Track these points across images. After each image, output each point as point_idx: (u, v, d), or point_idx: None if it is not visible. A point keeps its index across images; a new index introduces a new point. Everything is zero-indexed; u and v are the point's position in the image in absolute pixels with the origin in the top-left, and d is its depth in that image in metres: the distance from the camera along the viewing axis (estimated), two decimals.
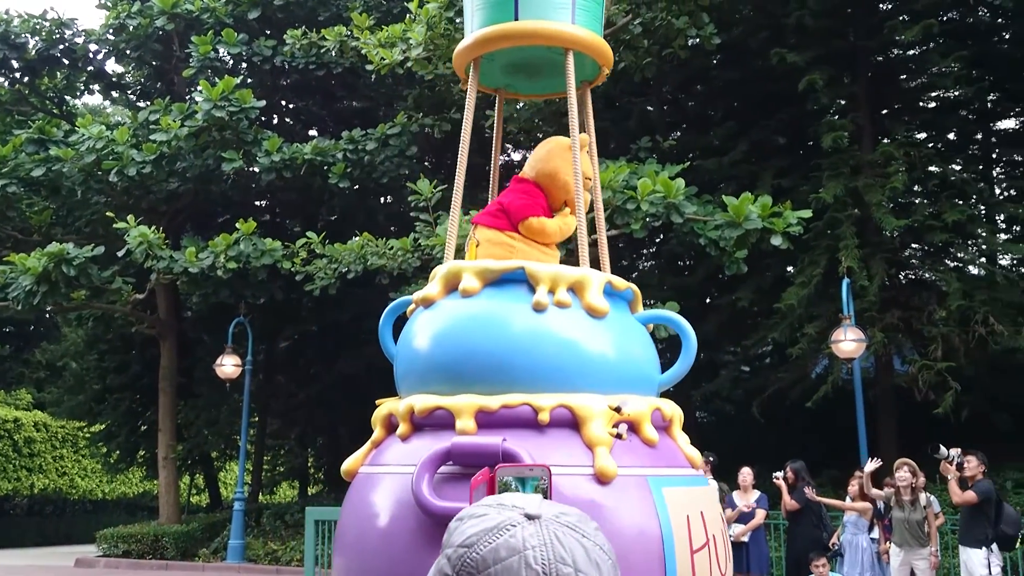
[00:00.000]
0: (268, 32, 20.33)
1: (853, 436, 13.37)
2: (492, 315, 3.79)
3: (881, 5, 18.45)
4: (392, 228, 20.02)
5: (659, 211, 12.44)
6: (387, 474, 3.65)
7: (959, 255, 16.76)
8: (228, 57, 20.26)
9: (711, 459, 10.98)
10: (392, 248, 15.12)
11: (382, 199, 21.44)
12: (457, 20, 14.62)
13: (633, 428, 3.63)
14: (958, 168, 17.04)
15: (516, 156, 25.33)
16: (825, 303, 15.20)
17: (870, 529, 10.18)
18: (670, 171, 13.16)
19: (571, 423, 3.55)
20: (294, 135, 20.89)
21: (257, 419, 24.97)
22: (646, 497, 3.45)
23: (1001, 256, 17.73)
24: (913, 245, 17.38)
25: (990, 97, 18.39)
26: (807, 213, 12.85)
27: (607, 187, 12.53)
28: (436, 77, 17.07)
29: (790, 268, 16.84)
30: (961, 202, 15.81)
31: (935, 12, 16.43)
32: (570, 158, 4.29)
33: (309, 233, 16.44)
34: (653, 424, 3.73)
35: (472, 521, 1.19)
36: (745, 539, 10.28)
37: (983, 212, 17.08)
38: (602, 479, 3.39)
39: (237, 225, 16.78)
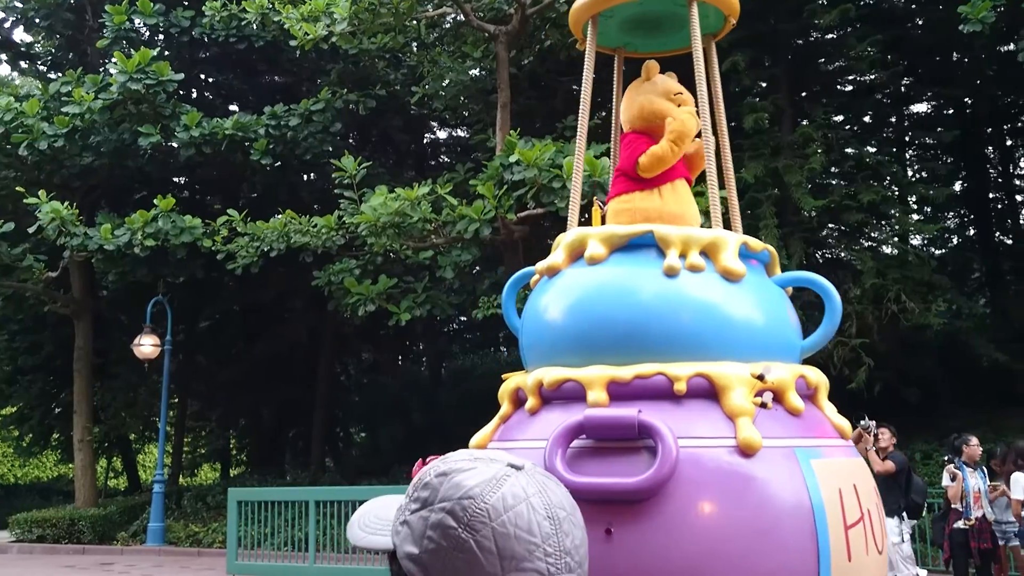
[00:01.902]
0: (186, 3, 19.75)
1: None
2: (621, 282, 3.60)
3: None
4: (316, 206, 19.72)
5: (585, 190, 12.50)
6: (518, 449, 3.43)
7: (873, 235, 17.27)
8: (144, 28, 19.63)
9: None
10: (316, 226, 14.92)
11: (305, 176, 21.10)
12: None
13: (777, 397, 3.43)
14: (873, 150, 17.52)
15: (442, 134, 25.20)
16: None
17: None
18: (596, 150, 13.23)
19: (710, 393, 3.35)
20: (214, 110, 20.38)
21: (177, 400, 24.46)
22: (794, 470, 3.23)
23: (913, 236, 18.31)
24: (830, 225, 17.84)
25: (904, 81, 18.93)
26: None
27: (533, 165, 12.55)
28: (361, 52, 16.84)
29: None
30: (876, 183, 16.27)
31: None
32: (652, 88, 4.14)
33: (230, 210, 16.11)
34: (798, 392, 3.50)
35: (463, 475, 1.20)
36: None
37: (896, 193, 17.60)
38: (746, 451, 3.18)
39: (155, 202, 16.34)
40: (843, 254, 17.30)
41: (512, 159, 12.91)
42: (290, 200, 18.61)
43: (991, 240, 21.34)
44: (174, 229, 16.05)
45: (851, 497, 3.32)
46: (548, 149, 12.85)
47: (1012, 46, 14.06)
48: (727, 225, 4.02)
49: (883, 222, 16.89)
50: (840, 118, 18.24)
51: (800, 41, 18.75)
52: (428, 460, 1.81)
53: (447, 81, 17.74)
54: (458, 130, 23.97)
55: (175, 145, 17.79)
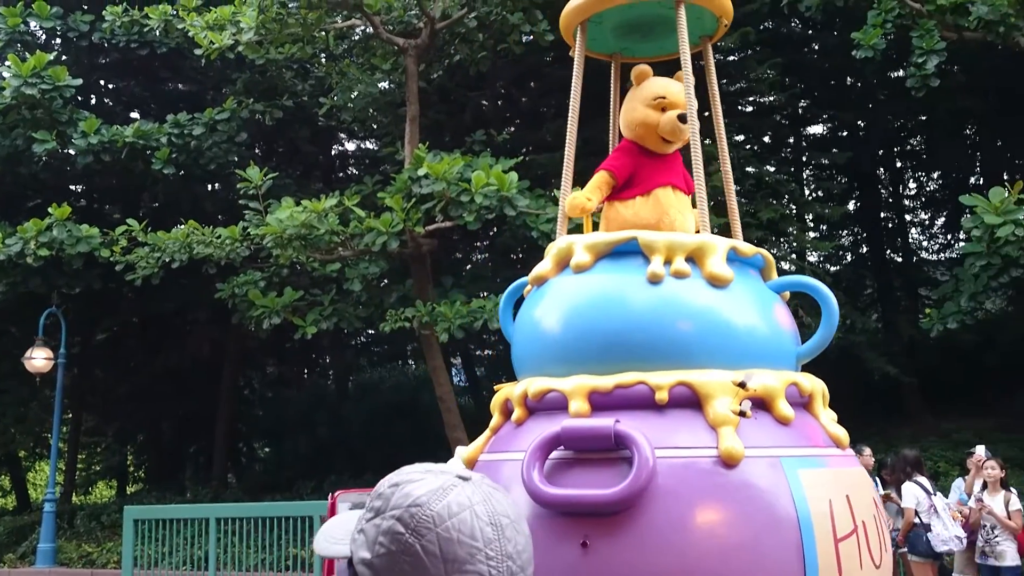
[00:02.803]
0: (86, 6, 19.16)
1: None
2: (604, 290, 3.56)
3: None
4: (220, 217, 19.33)
5: (493, 204, 12.58)
6: (505, 461, 3.45)
7: (772, 252, 17.78)
8: (40, 31, 18.98)
9: None
10: (220, 237, 14.61)
11: (209, 186, 20.65)
12: (291, 4, 14.28)
13: (765, 405, 3.33)
14: (772, 169, 18.12)
15: (350, 146, 25.01)
16: None
17: None
18: (504, 165, 13.34)
19: (693, 402, 3.27)
20: (114, 117, 19.77)
21: (71, 415, 23.57)
22: (779, 480, 3.13)
23: (809, 253, 19.00)
24: None
25: (801, 104, 19.63)
26: None
27: (441, 179, 12.57)
28: (268, 62, 16.61)
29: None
30: (775, 201, 16.83)
31: (753, 21, 17.36)
32: (637, 94, 4.07)
33: (130, 220, 15.65)
34: (789, 400, 3.39)
35: (413, 485, 1.31)
36: None
37: (794, 211, 18.23)
38: (728, 461, 3.10)
39: (50, 210, 15.75)
40: None
41: (421, 172, 12.91)
42: (193, 210, 18.16)
43: (882, 257, 22.26)
44: (70, 239, 15.50)
45: (843, 509, 3.21)
46: (457, 163, 12.89)
47: (901, 72, 14.74)
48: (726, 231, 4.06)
49: (781, 239, 17.46)
50: (741, 138, 18.80)
51: (701, 62, 19.25)
52: (335, 496, 1.87)
53: (356, 93, 17.63)
54: (367, 142, 23.83)
55: (72, 152, 17.21)
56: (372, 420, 22.98)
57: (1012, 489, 9.16)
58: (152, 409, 23.59)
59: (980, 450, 9.68)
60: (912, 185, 24.79)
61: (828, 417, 3.61)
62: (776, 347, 3.59)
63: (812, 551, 3.04)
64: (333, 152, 24.66)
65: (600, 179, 4.01)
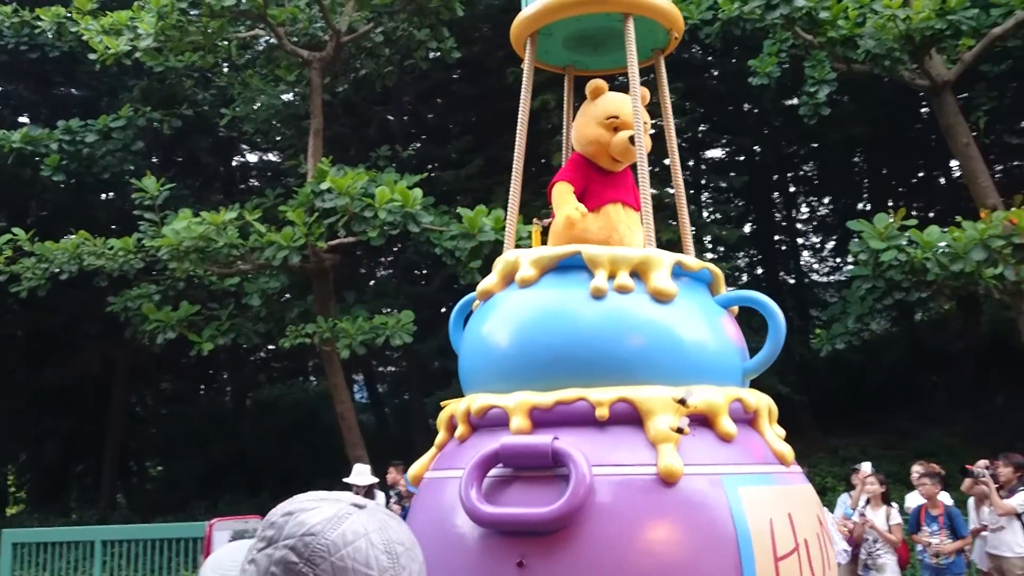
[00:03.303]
0: None
1: None
2: (547, 305, 3.49)
3: None
4: (113, 227, 18.69)
5: (397, 220, 12.52)
6: (448, 478, 3.37)
7: None
8: None
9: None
10: (112, 248, 14.13)
11: (103, 195, 19.98)
12: (192, 12, 13.96)
13: (707, 421, 3.28)
14: (671, 191, 18.48)
15: (252, 158, 24.56)
16: None
17: None
18: (408, 181, 13.30)
19: (634, 418, 3.20)
20: (1, 121, 18.97)
21: None
22: (719, 498, 3.08)
23: None
24: None
25: (700, 128, 20.17)
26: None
27: (345, 193, 12.46)
28: (167, 69, 16.20)
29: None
30: (674, 223, 17.17)
31: None
32: (590, 110, 4.00)
33: (16, 229, 14.98)
34: (732, 416, 3.33)
35: (307, 513, 1.28)
36: None
37: (693, 233, 18.66)
38: (667, 479, 3.04)
39: None
40: None
41: (324, 186, 12.76)
42: (85, 220, 17.50)
43: (776, 279, 22.99)
44: None
45: (784, 527, 3.14)
46: (361, 178, 12.79)
47: (795, 100, 15.29)
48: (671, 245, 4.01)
49: None
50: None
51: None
52: (212, 524, 1.82)
53: (259, 104, 17.35)
54: (269, 154, 23.45)
55: None
56: (270, 438, 22.51)
57: (893, 504, 9.53)
58: (36, 427, 22.58)
59: (865, 466, 10.03)
60: (804, 209, 25.70)
61: (773, 434, 3.55)
62: (721, 362, 3.53)
63: (751, 569, 2.99)
64: (234, 163, 24.18)
65: (567, 189, 3.93)
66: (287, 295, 16.30)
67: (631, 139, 3.86)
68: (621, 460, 3.11)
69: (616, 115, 3.94)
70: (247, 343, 15.60)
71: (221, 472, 21.45)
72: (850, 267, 14.00)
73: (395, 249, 20.81)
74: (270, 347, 22.95)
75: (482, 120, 20.37)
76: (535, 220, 4.33)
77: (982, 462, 9.25)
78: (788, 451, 3.50)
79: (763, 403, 3.58)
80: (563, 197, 3.89)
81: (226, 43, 15.91)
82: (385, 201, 12.43)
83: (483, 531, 3.08)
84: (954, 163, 18.12)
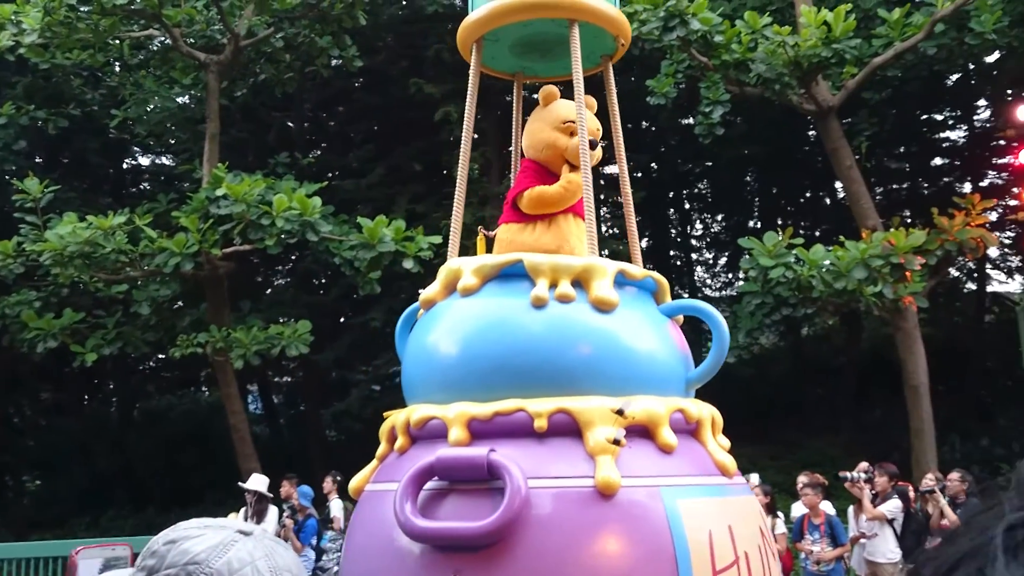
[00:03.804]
0: None
1: None
2: (487, 314, 3.45)
3: None
4: None
5: (295, 228, 12.34)
6: (387, 491, 3.27)
7: None
8: None
9: (338, 478, 11.04)
10: None
11: None
12: (82, 8, 13.47)
13: (647, 432, 3.23)
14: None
15: (144, 161, 23.83)
16: None
17: None
18: (308, 189, 13.12)
19: (573, 429, 3.15)
20: None
21: None
22: (657, 511, 3.03)
23: None
24: None
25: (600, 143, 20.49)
26: (438, 238, 13.43)
27: (241, 200, 12.21)
28: (54, 67, 15.59)
29: (421, 291, 17.41)
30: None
31: None
32: (544, 114, 3.96)
33: None
34: (673, 427, 3.28)
35: (191, 541, 1.24)
36: None
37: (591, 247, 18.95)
38: (604, 492, 2.99)
39: None
40: None
41: (219, 192, 12.48)
42: None
43: (671, 294, 23.48)
44: None
45: (724, 539, 3.11)
46: (258, 185, 12.56)
47: (691, 120, 15.72)
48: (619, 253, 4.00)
49: None
50: None
51: (508, 98, 19.77)
52: (76, 552, 1.76)
53: (152, 106, 16.86)
54: (163, 158, 22.78)
55: None
56: (159, 450, 21.79)
57: (779, 514, 9.84)
58: None
59: (754, 478, 10.34)
60: (699, 226, 26.39)
61: (716, 445, 3.52)
62: (663, 372, 3.49)
63: None
64: (125, 166, 23.37)
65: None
66: (179, 303, 15.85)
67: (590, 144, 3.87)
68: (559, 472, 3.07)
69: (572, 120, 3.93)
70: (135, 352, 15.09)
71: (104, 486, 20.64)
72: (741, 283, 14.44)
73: (293, 258, 20.48)
74: (160, 356, 22.27)
75: (384, 129, 20.26)
76: (480, 229, 4.30)
77: (863, 464, 9.63)
78: (731, 462, 3.47)
79: (706, 413, 3.54)
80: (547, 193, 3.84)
81: (118, 42, 15.41)
82: (283, 209, 12.23)
83: (417, 546, 3.04)
84: (839, 185, 18.90)
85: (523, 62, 4.48)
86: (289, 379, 26.08)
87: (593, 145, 3.89)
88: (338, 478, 10.99)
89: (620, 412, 3.13)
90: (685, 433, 3.40)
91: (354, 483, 3.66)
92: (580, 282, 3.46)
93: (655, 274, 3.78)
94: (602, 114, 4.25)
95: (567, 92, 4.06)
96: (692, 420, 3.44)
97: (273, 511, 10.04)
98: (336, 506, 10.57)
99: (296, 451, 21.17)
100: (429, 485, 3.15)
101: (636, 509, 3.02)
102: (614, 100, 4.37)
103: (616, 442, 3.06)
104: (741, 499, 3.43)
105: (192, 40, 14.86)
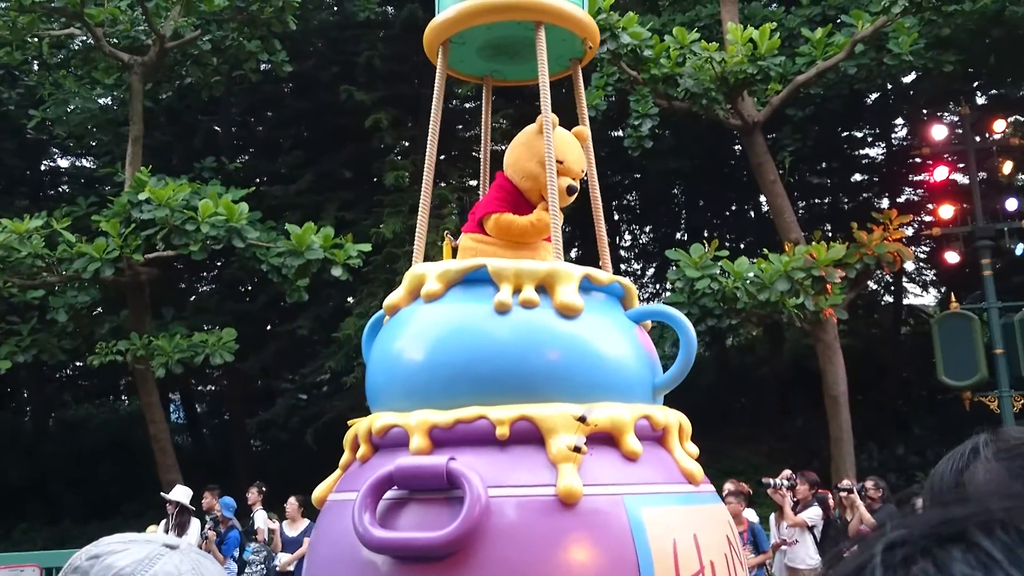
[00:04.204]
0: None
1: None
2: (450, 320, 3.38)
3: None
4: None
5: (220, 234, 12.13)
6: (349, 500, 3.15)
7: None
8: None
9: (262, 489, 10.87)
10: None
11: None
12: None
13: (611, 439, 3.17)
14: None
15: (64, 163, 23.20)
16: None
17: None
18: (234, 194, 12.92)
19: (535, 437, 3.09)
20: None
21: None
22: (619, 520, 2.97)
23: None
24: None
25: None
26: (367, 247, 13.35)
27: (165, 205, 11.95)
28: None
29: (350, 299, 17.32)
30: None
31: None
32: (536, 145, 3.86)
33: None
34: (639, 434, 3.22)
35: (115, 556, 1.23)
36: (292, 568, 10.27)
37: None
38: (566, 500, 2.93)
39: None
40: None
41: (142, 197, 12.19)
42: None
43: None
44: None
45: (689, 548, 3.06)
46: (183, 189, 12.31)
47: (620, 132, 15.90)
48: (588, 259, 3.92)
49: None
50: (474, 183, 19.40)
51: (448, 104, 19.77)
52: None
53: (72, 107, 16.42)
54: (83, 160, 22.18)
55: None
56: (75, 461, 21.14)
57: None
58: None
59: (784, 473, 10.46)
60: (628, 237, 26.71)
61: (684, 452, 3.45)
62: (629, 378, 3.42)
63: None
64: (43, 168, 22.70)
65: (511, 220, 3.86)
66: (98, 309, 15.43)
67: (569, 189, 3.83)
68: (520, 480, 3.02)
69: (562, 161, 3.84)
70: (51, 360, 14.63)
71: (16, 498, 19.92)
72: (668, 294, 14.64)
73: (218, 264, 20.11)
74: (78, 364, 21.66)
75: (314, 135, 20.06)
76: (447, 235, 4.21)
77: (786, 472, 9.84)
78: (697, 470, 3.40)
79: (673, 420, 3.48)
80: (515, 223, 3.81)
81: (37, 40, 14.98)
82: (208, 214, 12.01)
83: (376, 557, 2.98)
84: (763, 199, 19.34)
85: (492, 65, 4.43)
86: (213, 388, 25.59)
87: (571, 191, 3.84)
88: (263, 489, 10.82)
89: (582, 419, 3.09)
90: (651, 440, 3.35)
91: (317, 492, 3.60)
92: (545, 287, 3.41)
93: (622, 279, 3.72)
94: (571, 117, 4.24)
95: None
96: (659, 427, 3.39)
97: (195, 523, 9.84)
98: (260, 518, 10.41)
99: (220, 462, 20.75)
100: (389, 494, 3.09)
101: (598, 518, 2.97)
102: (583, 104, 4.33)
103: (577, 449, 3.02)
104: (708, 507, 3.38)
105: (115, 40, 14.51)
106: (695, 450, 3.55)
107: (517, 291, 3.37)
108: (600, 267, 3.93)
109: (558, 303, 3.35)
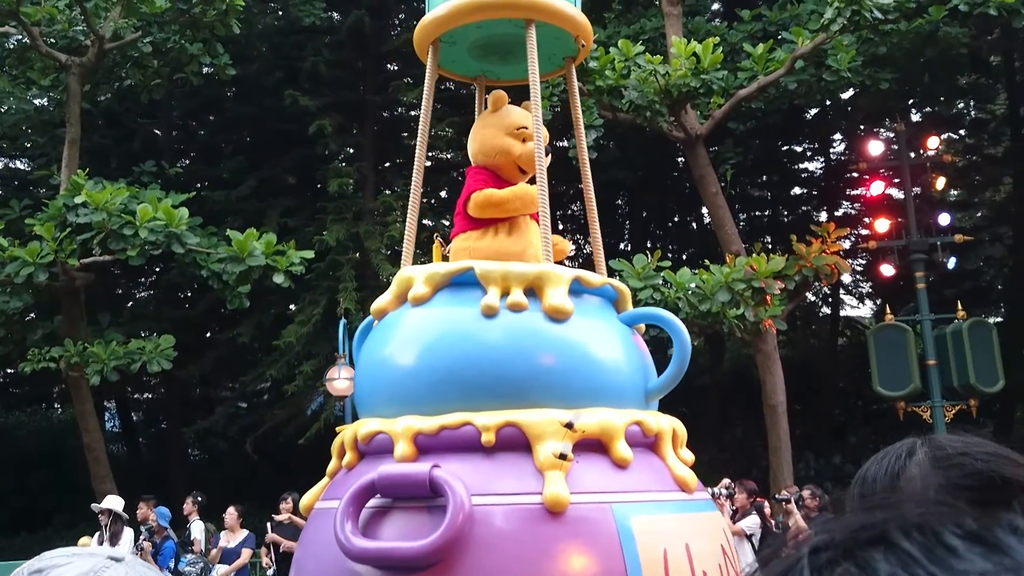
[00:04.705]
0: None
1: None
2: (436, 324, 3.30)
3: (388, 65, 19.83)
4: None
5: (159, 239, 11.91)
6: (334, 508, 3.06)
7: None
8: None
9: (200, 499, 10.68)
10: None
11: None
12: None
13: (601, 446, 3.08)
14: (447, 223, 18.81)
15: None
16: (323, 342, 15.71)
17: None
18: (174, 199, 12.70)
19: (522, 444, 3.01)
20: None
21: None
22: (608, 529, 2.88)
23: None
24: None
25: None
26: (309, 254, 13.23)
27: (102, 209, 11.71)
28: None
29: (292, 306, 17.14)
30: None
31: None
32: (497, 119, 3.83)
33: None
34: (630, 441, 3.13)
35: (59, 570, 1.19)
36: None
37: None
38: (553, 509, 2.85)
39: None
40: None
41: (78, 200, 11.93)
42: None
43: None
44: None
45: (680, 558, 2.97)
46: (121, 193, 12.07)
47: (565, 143, 16.00)
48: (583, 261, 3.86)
49: None
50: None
51: (386, 114, 19.70)
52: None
53: (6, 108, 16.01)
54: (17, 162, 21.62)
55: None
56: (5, 471, 20.54)
57: None
58: None
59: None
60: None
61: (677, 459, 3.37)
62: (620, 383, 3.34)
63: None
64: None
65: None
66: (31, 315, 15.04)
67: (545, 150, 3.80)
68: (506, 488, 2.94)
69: (526, 126, 3.87)
70: None
71: None
72: None
73: (157, 270, 19.75)
74: (9, 371, 21.08)
75: (257, 141, 19.83)
76: (436, 238, 4.19)
77: (725, 481, 9.96)
78: (691, 477, 3.32)
79: (666, 426, 3.39)
80: (499, 203, 3.72)
81: None
82: (147, 219, 11.80)
83: (358, 567, 2.90)
84: (705, 210, 19.60)
85: (484, 65, 4.36)
86: (150, 396, 25.09)
87: (546, 152, 3.83)
88: (199, 499, 10.63)
89: (570, 425, 3.01)
90: (643, 446, 3.27)
91: (305, 500, 3.53)
92: (534, 290, 3.33)
93: (615, 282, 3.65)
94: (566, 116, 4.24)
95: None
96: (651, 433, 3.30)
97: (128, 533, 9.64)
98: (197, 528, 10.22)
99: (156, 471, 20.34)
100: (373, 503, 3.02)
101: (586, 526, 2.90)
102: (577, 102, 4.29)
103: (563, 457, 2.94)
104: (702, 515, 3.28)
105: (53, 40, 14.19)
106: (690, 457, 3.47)
107: (505, 294, 3.30)
108: (594, 270, 3.87)
109: (547, 306, 3.27)
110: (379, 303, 3.63)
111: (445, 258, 3.99)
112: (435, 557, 2.78)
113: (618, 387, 3.33)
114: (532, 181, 3.86)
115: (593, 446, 3.10)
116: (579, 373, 3.23)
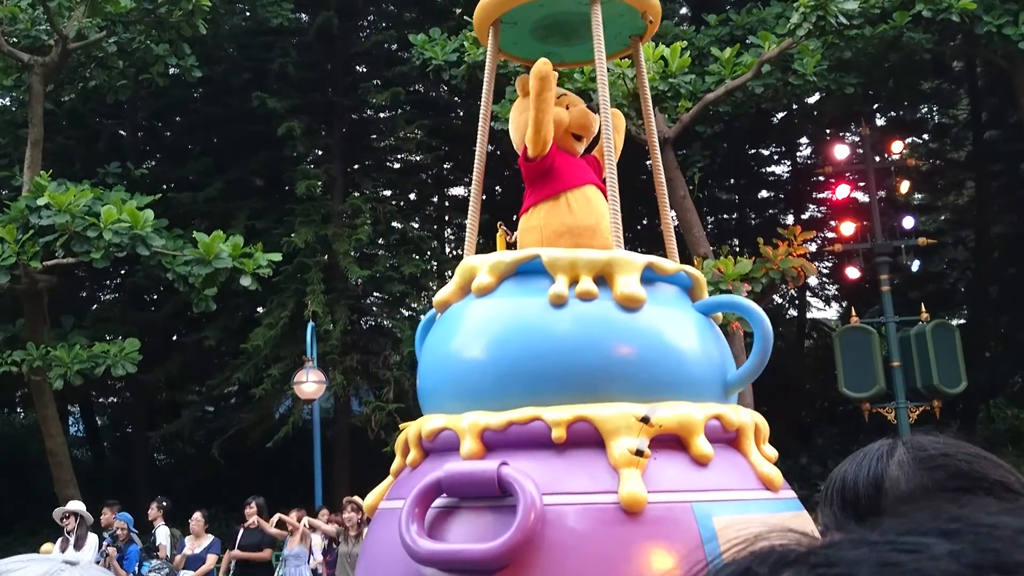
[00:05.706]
0: None
1: (311, 474, 13.83)
2: (502, 316, 3.16)
3: (357, 67, 19.76)
4: None
5: (124, 242, 11.77)
6: (399, 508, 2.93)
7: (413, 305, 18.42)
8: None
9: (165, 503, 10.56)
10: None
11: None
12: None
13: (679, 442, 2.92)
14: (416, 226, 18.79)
15: None
16: (291, 345, 15.62)
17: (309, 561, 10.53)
18: (140, 201, 12.56)
19: (595, 440, 2.85)
20: None
21: None
22: (688, 529, 2.71)
23: None
24: (375, 294, 18.68)
25: (446, 165, 20.63)
26: (277, 256, 13.13)
27: (65, 210, 11.56)
28: None
29: (260, 309, 17.02)
30: (417, 257, 17.45)
31: (404, 82, 18.01)
32: (533, 99, 3.61)
33: None
34: (710, 436, 2.96)
35: (16, 574, 1.20)
36: None
37: (435, 267, 18.99)
38: (630, 508, 2.68)
39: None
40: (386, 322, 18.19)
41: (41, 202, 11.76)
42: None
43: None
44: None
45: None
46: (85, 195, 11.92)
47: None
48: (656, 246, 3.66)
49: (423, 293, 18.11)
50: (388, 193, 19.32)
51: (355, 116, 19.63)
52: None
53: None
54: None
55: None
56: None
57: None
58: None
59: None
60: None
61: (760, 455, 3.17)
62: (697, 375, 3.18)
63: None
64: None
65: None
66: None
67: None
68: (579, 487, 2.80)
69: (564, 93, 3.75)
70: None
71: None
72: None
73: (122, 272, 19.52)
74: None
75: (224, 142, 19.67)
76: (500, 225, 4.14)
77: None
78: (776, 474, 3.11)
79: (748, 421, 3.21)
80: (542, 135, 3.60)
81: None
82: (112, 221, 11.65)
83: (424, 570, 2.78)
84: (673, 213, 19.72)
85: (546, 47, 4.12)
86: (115, 400, 24.77)
87: (579, 138, 3.73)
88: (164, 504, 10.52)
89: (646, 420, 2.82)
90: (723, 442, 3.09)
91: (369, 500, 3.42)
92: (604, 278, 3.16)
93: (690, 268, 3.49)
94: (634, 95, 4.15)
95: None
96: (731, 428, 3.11)
97: (92, 539, 9.51)
98: (162, 533, 10.11)
99: (121, 476, 20.10)
100: (439, 502, 2.90)
101: (665, 527, 2.73)
102: (645, 82, 4.17)
103: (639, 453, 2.77)
104: (789, 515, 3.04)
105: (15, 40, 13.98)
106: (773, 453, 3.29)
107: (574, 282, 3.14)
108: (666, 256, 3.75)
109: (619, 294, 3.11)
110: (442, 295, 3.49)
111: (511, 247, 3.85)
112: (505, 560, 2.65)
113: (696, 379, 3.17)
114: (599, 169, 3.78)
115: (671, 442, 2.95)
116: (654, 365, 3.07)
